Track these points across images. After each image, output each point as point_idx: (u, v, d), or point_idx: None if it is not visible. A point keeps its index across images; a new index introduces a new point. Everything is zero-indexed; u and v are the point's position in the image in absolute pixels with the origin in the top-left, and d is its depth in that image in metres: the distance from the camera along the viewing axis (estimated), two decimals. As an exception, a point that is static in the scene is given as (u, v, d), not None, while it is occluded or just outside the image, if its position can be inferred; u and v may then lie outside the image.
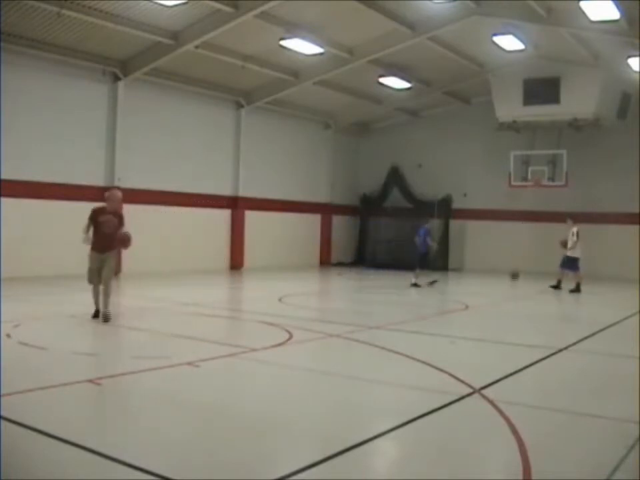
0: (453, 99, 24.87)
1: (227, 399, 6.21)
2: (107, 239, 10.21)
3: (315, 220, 25.78)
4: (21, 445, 4.75)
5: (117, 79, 18.54)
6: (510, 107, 22.07)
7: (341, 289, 19.07)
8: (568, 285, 17.54)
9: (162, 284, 16.82)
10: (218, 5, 15.65)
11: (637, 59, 17.64)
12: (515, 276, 20.74)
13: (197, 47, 17.48)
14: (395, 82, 21.85)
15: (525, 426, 5.29)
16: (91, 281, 10.26)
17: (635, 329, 10.87)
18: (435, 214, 25.54)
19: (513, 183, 22.77)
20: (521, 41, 18.11)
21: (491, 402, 6.00)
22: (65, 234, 17.42)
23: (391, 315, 12.35)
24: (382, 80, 21.64)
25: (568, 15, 15.89)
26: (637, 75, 18.73)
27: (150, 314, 11.66)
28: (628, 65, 18.43)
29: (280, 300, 14.03)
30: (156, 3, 14.95)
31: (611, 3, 14.26)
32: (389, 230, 26.33)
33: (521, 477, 4.29)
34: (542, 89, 21.23)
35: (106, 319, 9.95)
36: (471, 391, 6.42)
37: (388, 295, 16.91)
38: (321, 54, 18.80)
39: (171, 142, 20.21)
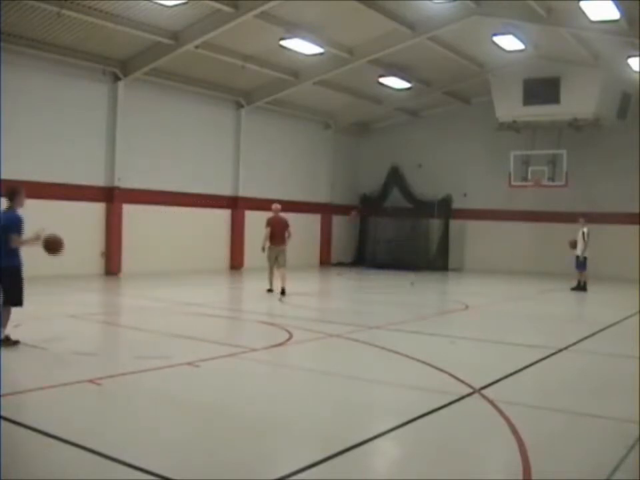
0: (453, 98, 24.87)
1: (226, 399, 6.21)
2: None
3: (314, 220, 25.78)
4: (21, 445, 4.76)
5: (117, 78, 18.54)
6: (510, 107, 22.07)
7: (340, 288, 19.07)
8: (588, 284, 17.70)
9: (162, 284, 16.82)
10: (218, 5, 15.65)
11: (637, 58, 17.64)
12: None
13: (197, 47, 17.48)
14: (394, 82, 21.85)
15: (525, 426, 5.30)
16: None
17: (635, 328, 10.87)
18: (435, 214, 25.59)
19: (512, 182, 22.76)
20: (521, 41, 18.10)
21: (491, 402, 6.00)
22: (64, 234, 17.41)
23: (391, 315, 12.35)
24: (382, 80, 21.64)
25: (568, 15, 15.89)
26: (637, 75, 18.73)
27: (150, 314, 11.65)
28: (628, 65, 18.42)
29: (280, 300, 14.03)
30: (156, 3, 14.95)
31: (610, 2, 14.26)
32: (388, 230, 26.34)
33: (520, 477, 4.30)
34: (542, 89, 21.23)
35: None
36: (471, 390, 6.42)
37: (388, 294, 16.91)
38: (321, 54, 18.80)
39: (171, 142, 20.21)
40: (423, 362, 7.75)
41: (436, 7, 16.43)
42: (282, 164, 24.21)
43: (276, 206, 15.59)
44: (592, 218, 19.63)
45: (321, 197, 26.02)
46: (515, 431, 5.17)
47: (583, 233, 17.60)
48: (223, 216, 22.18)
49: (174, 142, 20.29)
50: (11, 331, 8.58)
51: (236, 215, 22.36)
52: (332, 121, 25.88)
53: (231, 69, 19.72)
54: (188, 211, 20.66)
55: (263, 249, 15.11)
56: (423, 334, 10.22)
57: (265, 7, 15.81)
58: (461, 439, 5.19)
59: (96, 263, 18.45)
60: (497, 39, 18.08)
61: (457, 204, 25.65)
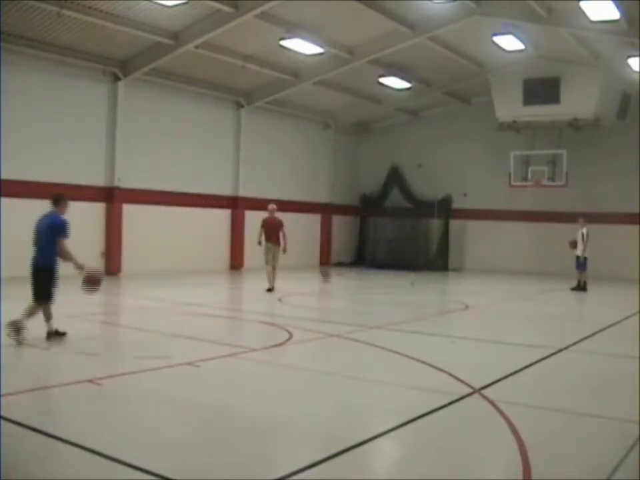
0: (453, 98, 24.87)
1: (226, 399, 6.21)
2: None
3: (314, 220, 25.78)
4: (21, 445, 4.76)
5: (117, 78, 18.54)
6: (510, 107, 22.06)
7: (340, 288, 19.06)
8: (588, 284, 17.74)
9: (162, 284, 16.81)
10: (218, 5, 15.65)
11: (637, 58, 17.63)
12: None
13: (197, 47, 17.48)
14: (395, 82, 21.84)
15: (525, 426, 5.30)
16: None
17: (635, 328, 10.87)
18: (435, 214, 25.59)
19: (512, 182, 22.75)
20: (521, 41, 18.10)
21: (491, 402, 6.00)
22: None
23: (391, 315, 12.35)
24: (382, 80, 21.64)
25: (568, 14, 15.89)
26: (637, 75, 18.72)
27: (150, 314, 11.65)
28: (628, 65, 18.42)
29: (280, 300, 14.03)
30: (156, 3, 14.95)
31: (610, 2, 14.25)
32: (388, 230, 26.34)
33: (521, 477, 4.30)
34: (542, 89, 21.22)
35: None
36: (471, 391, 6.42)
37: (388, 294, 16.92)
38: (321, 54, 18.80)
39: (171, 142, 20.20)
40: (423, 362, 7.75)
41: (436, 7, 16.43)
42: (282, 164, 24.21)
43: (272, 206, 16.02)
44: (592, 218, 19.66)
45: (321, 196, 26.01)
46: (515, 431, 5.17)
47: (583, 234, 17.60)
48: (223, 216, 22.18)
49: (174, 142, 20.28)
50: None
51: (236, 214, 22.36)
52: (332, 121, 25.87)
53: (230, 69, 19.71)
54: (188, 211, 20.65)
55: (260, 242, 15.67)
56: (422, 334, 10.22)
57: (265, 7, 15.81)
58: (461, 439, 5.19)
59: (96, 263, 18.41)
60: (497, 39, 18.07)
61: (456, 204, 25.64)
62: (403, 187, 26.51)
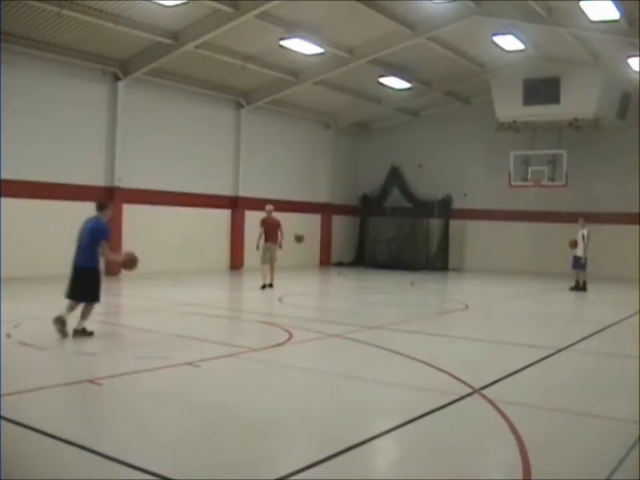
0: (453, 98, 24.87)
1: (226, 399, 6.21)
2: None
3: (314, 220, 25.78)
4: (21, 445, 4.76)
5: (117, 78, 18.55)
6: (510, 106, 22.06)
7: (340, 289, 19.07)
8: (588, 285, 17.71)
9: (162, 284, 16.81)
10: (218, 5, 15.65)
11: (637, 58, 17.63)
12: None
13: (197, 47, 17.48)
14: (395, 82, 21.84)
15: (525, 426, 5.29)
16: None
17: (635, 329, 10.87)
18: (435, 214, 25.58)
19: (512, 182, 22.75)
20: (521, 41, 18.11)
21: (491, 402, 6.00)
22: (65, 234, 17.38)
23: (391, 315, 12.35)
24: (382, 80, 21.64)
25: (568, 14, 15.89)
26: (637, 75, 18.73)
27: (150, 314, 11.65)
28: (628, 65, 18.42)
29: (280, 300, 14.04)
30: (156, 3, 14.95)
31: (610, 2, 14.26)
32: (389, 230, 26.34)
33: (521, 477, 4.30)
34: (542, 89, 21.23)
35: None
36: (470, 391, 6.42)
37: (388, 294, 16.91)
38: (321, 54, 18.81)
39: (171, 142, 20.21)
40: (423, 362, 7.74)
41: (436, 7, 16.43)
42: (282, 164, 24.21)
43: (269, 207, 16.38)
44: (592, 218, 19.67)
45: (321, 196, 26.02)
46: (514, 431, 5.17)
47: (584, 235, 17.58)
48: (223, 216, 22.18)
49: (174, 142, 20.28)
50: (11, 330, 8.59)
51: (236, 214, 22.36)
52: (332, 121, 25.88)
53: (230, 69, 19.71)
54: (188, 211, 20.65)
55: (258, 247, 16.02)
56: (422, 334, 10.22)
57: (265, 7, 15.81)
58: (460, 439, 5.19)
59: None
60: (497, 39, 18.08)
61: (456, 204, 25.64)
62: (402, 187, 26.51)
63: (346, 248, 27.24)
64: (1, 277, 14.98)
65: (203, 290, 16.31)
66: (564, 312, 14.87)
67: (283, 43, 17.60)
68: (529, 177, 22.40)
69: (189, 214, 20.69)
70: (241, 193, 22.50)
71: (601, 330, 10.80)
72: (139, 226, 19.00)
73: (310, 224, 25.39)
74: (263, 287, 15.81)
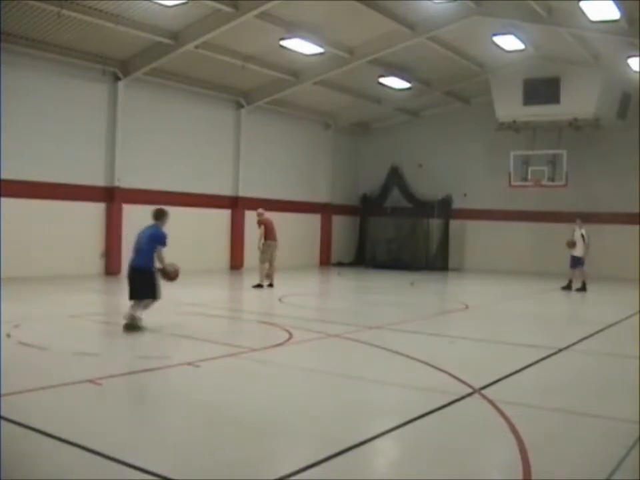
0: (453, 98, 24.87)
1: (227, 399, 6.21)
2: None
3: (314, 220, 25.78)
4: (21, 445, 4.76)
5: (117, 78, 18.54)
6: (510, 106, 22.06)
7: (340, 289, 19.07)
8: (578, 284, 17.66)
9: (162, 284, 16.75)
10: (218, 5, 15.64)
11: (637, 58, 17.63)
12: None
13: (197, 47, 17.48)
14: (395, 82, 21.84)
15: (525, 426, 5.30)
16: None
17: (635, 329, 10.87)
18: (435, 214, 25.58)
19: (512, 182, 22.75)
20: (521, 40, 18.11)
21: (491, 402, 6.00)
22: (65, 234, 17.46)
23: (391, 315, 12.36)
24: (382, 80, 21.63)
25: (568, 14, 15.89)
26: (637, 75, 18.72)
27: (150, 314, 11.63)
28: (628, 65, 18.42)
29: (280, 300, 14.04)
30: (156, 3, 14.95)
31: (611, 2, 14.26)
32: (389, 230, 26.34)
33: (521, 477, 4.30)
34: (542, 89, 21.23)
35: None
36: (471, 391, 6.42)
37: (388, 295, 16.91)
38: (321, 54, 18.81)
39: (171, 142, 20.20)
40: (423, 362, 7.74)
41: (436, 7, 16.43)
42: (282, 164, 24.20)
43: (261, 210, 16.68)
44: (592, 218, 19.66)
45: (321, 196, 26.01)
46: (514, 431, 5.17)
47: (583, 235, 17.55)
48: (223, 216, 22.18)
49: (174, 142, 20.28)
50: (11, 330, 8.58)
51: (236, 214, 22.35)
52: (332, 121, 25.87)
53: (230, 69, 19.71)
54: (188, 211, 20.62)
55: (260, 247, 16.13)
56: (422, 334, 10.23)
57: (265, 7, 15.80)
58: (460, 439, 5.19)
59: (96, 262, 18.45)
60: (497, 39, 18.08)
61: (456, 204, 25.64)
62: (402, 187, 26.50)
63: (346, 248, 27.24)
64: (1, 277, 14.98)
65: (203, 290, 16.30)
66: (564, 312, 14.87)
67: (283, 43, 17.60)
68: (529, 177, 22.39)
69: (189, 214, 20.66)
70: (241, 193, 22.50)
71: (601, 330, 10.80)
72: (138, 226, 18.91)
73: (310, 224, 25.40)
74: (259, 286, 15.83)
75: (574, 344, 9.41)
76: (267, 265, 16.16)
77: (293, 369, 7.67)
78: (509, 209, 24.50)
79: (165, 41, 17.14)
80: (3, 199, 15.97)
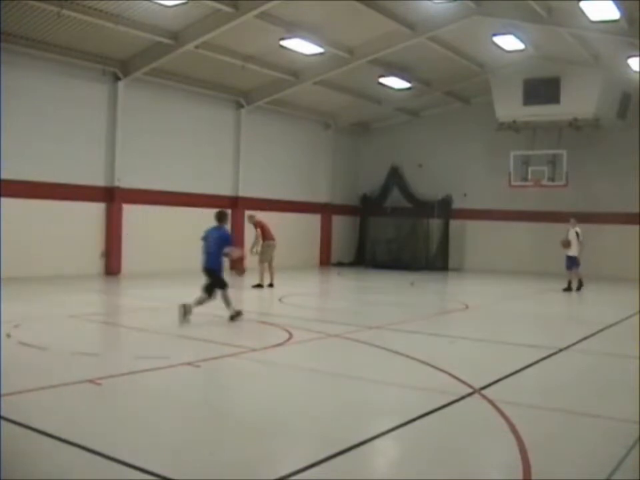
0: (453, 98, 24.87)
1: (227, 399, 6.21)
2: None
3: (314, 220, 25.77)
4: (21, 445, 4.76)
5: (117, 79, 18.54)
6: (510, 106, 22.06)
7: (340, 289, 19.07)
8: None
9: (162, 284, 16.81)
10: (218, 5, 15.64)
11: (637, 58, 17.63)
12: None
13: (197, 47, 17.48)
14: (395, 82, 21.84)
15: (525, 426, 5.29)
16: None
17: (635, 329, 10.87)
18: (435, 214, 25.58)
19: (512, 183, 22.75)
20: (521, 40, 18.10)
21: (491, 402, 6.00)
22: (65, 234, 17.46)
23: (391, 315, 12.36)
24: (382, 80, 21.63)
25: (568, 14, 15.89)
26: (637, 75, 18.72)
27: (150, 314, 11.66)
28: (628, 65, 18.42)
29: (280, 300, 14.04)
30: (156, 3, 14.95)
31: (611, 2, 14.26)
32: (389, 230, 26.34)
33: (521, 477, 4.30)
34: (542, 89, 21.23)
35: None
36: (471, 391, 6.42)
37: (388, 295, 16.91)
38: (321, 54, 18.81)
39: (171, 142, 20.20)
40: (423, 362, 7.74)
41: (436, 7, 16.43)
42: (282, 164, 24.19)
43: (252, 213, 17.30)
44: (592, 218, 19.62)
45: (321, 196, 26.01)
46: (514, 431, 5.17)
47: (577, 233, 17.51)
48: (223, 216, 22.14)
49: (174, 142, 20.28)
50: (11, 330, 8.59)
51: (236, 214, 22.33)
52: (332, 121, 25.87)
53: (230, 69, 19.71)
54: (188, 211, 20.63)
55: (255, 250, 16.26)
56: (422, 334, 10.23)
57: (265, 7, 15.80)
58: (461, 439, 5.19)
59: (96, 263, 18.45)
60: (497, 39, 18.08)
61: (456, 204, 25.64)
62: (402, 187, 26.50)
63: (346, 248, 27.24)
64: (1, 276, 14.98)
65: (203, 290, 16.29)
66: (564, 312, 14.87)
67: (283, 42, 17.59)
68: (529, 177, 22.39)
69: (189, 214, 20.66)
70: (241, 193, 22.49)
71: (601, 330, 10.80)
72: (138, 226, 19.00)
73: (310, 224, 25.39)
74: (259, 285, 15.83)
75: (574, 344, 9.41)
76: (266, 265, 16.19)
77: (293, 368, 7.67)
78: (509, 209, 24.50)
79: (165, 41, 17.14)
80: (3, 199, 15.97)
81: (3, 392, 5.77)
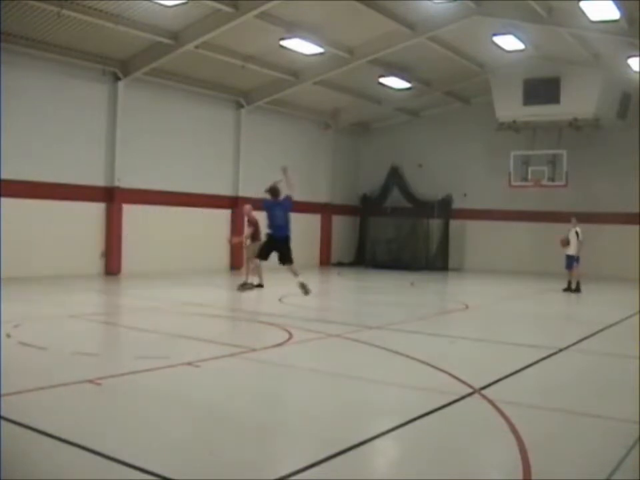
0: (453, 98, 24.87)
1: (227, 399, 6.21)
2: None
3: (314, 220, 25.77)
4: (21, 445, 4.75)
5: (117, 78, 18.55)
6: (510, 106, 22.07)
7: (340, 289, 19.07)
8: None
9: (162, 284, 16.81)
10: (218, 5, 15.65)
11: (637, 58, 17.64)
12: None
13: (197, 47, 17.49)
14: (395, 82, 21.85)
15: (525, 426, 5.29)
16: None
17: (635, 329, 10.86)
18: (435, 214, 25.59)
19: (512, 183, 22.76)
20: (521, 40, 18.11)
21: (491, 402, 5.99)
22: (65, 234, 17.46)
23: (391, 315, 12.35)
24: (382, 80, 21.64)
25: (568, 14, 15.90)
26: (637, 75, 18.73)
27: (150, 314, 11.65)
28: (628, 65, 18.43)
29: (280, 300, 14.03)
30: (156, 3, 14.95)
31: (611, 2, 14.26)
32: (389, 230, 26.34)
33: (521, 477, 4.30)
34: (542, 89, 21.24)
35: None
36: (471, 391, 6.42)
37: (388, 295, 16.91)
38: (321, 54, 18.81)
39: (171, 142, 20.20)
40: (423, 362, 7.74)
41: (436, 7, 16.44)
42: (282, 164, 24.08)
43: (249, 206, 16.60)
44: (592, 218, 19.61)
45: (321, 197, 26.01)
46: (514, 431, 5.16)
47: (577, 232, 17.48)
48: (222, 216, 22.17)
49: (174, 142, 20.28)
50: (11, 330, 8.57)
51: (236, 214, 22.34)
52: (332, 121, 25.87)
53: (230, 69, 19.71)
54: (188, 211, 20.65)
55: (247, 245, 15.96)
56: (423, 334, 10.22)
57: (265, 7, 15.81)
58: (460, 439, 5.19)
59: (96, 262, 18.46)
60: (497, 39, 18.09)
61: (456, 204, 25.64)
62: (402, 187, 26.51)
63: (346, 248, 27.24)
64: (1, 276, 14.98)
65: (203, 290, 16.32)
66: (564, 312, 14.87)
67: (283, 42, 17.60)
68: (529, 177, 22.40)
69: (189, 214, 20.69)
70: (241, 193, 22.49)
71: (601, 330, 10.80)
72: (138, 226, 19.00)
73: (310, 224, 25.39)
74: (259, 285, 15.64)
75: (574, 344, 9.41)
76: (257, 262, 15.79)
77: (292, 369, 7.67)
78: (509, 209, 24.51)
79: (165, 40, 17.15)
80: (3, 199, 15.97)
81: (3, 392, 5.76)
